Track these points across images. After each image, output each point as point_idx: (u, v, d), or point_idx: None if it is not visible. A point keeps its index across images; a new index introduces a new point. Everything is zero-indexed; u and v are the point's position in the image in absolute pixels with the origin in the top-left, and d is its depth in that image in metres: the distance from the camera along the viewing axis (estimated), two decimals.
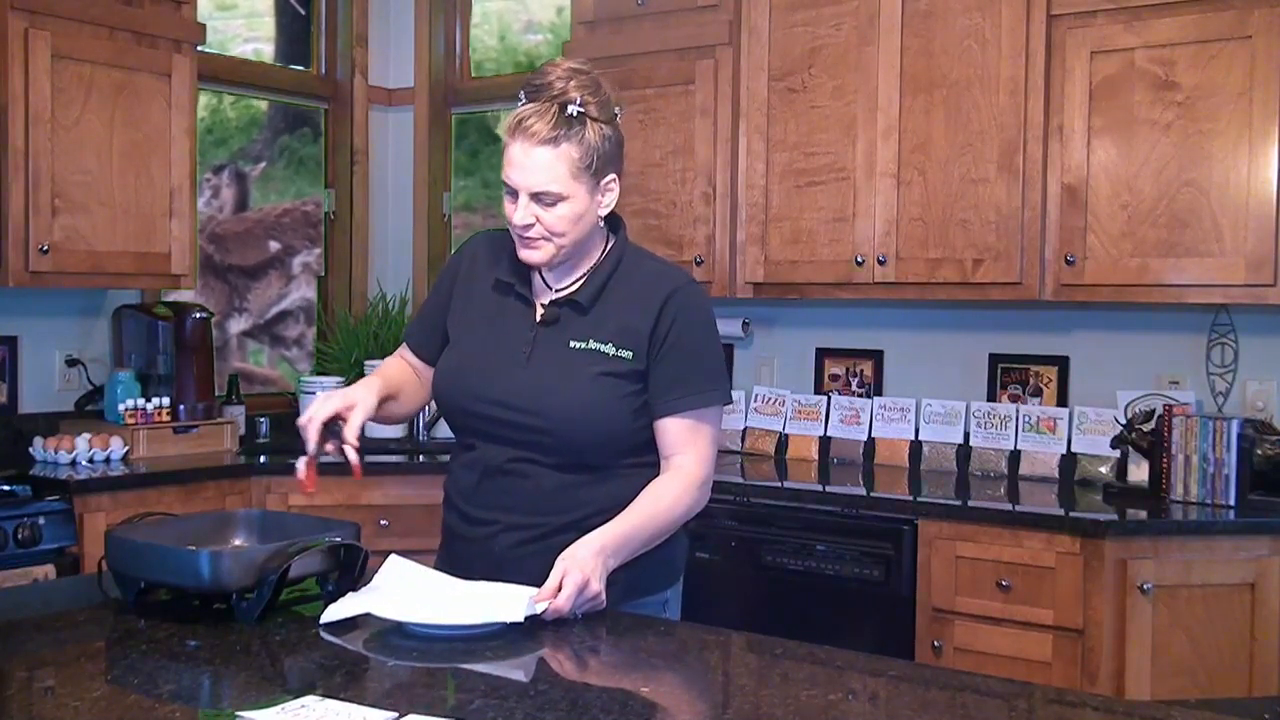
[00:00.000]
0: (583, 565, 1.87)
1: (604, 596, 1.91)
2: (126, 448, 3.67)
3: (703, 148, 3.75)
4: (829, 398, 3.93)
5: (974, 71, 3.32)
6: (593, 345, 2.03)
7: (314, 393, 4.10)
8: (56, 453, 3.54)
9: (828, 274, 3.56)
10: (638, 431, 2.05)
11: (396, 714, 1.42)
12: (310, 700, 1.47)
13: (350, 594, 1.86)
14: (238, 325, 4.70)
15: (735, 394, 4.08)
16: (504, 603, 1.82)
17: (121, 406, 3.73)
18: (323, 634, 1.77)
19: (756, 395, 4.06)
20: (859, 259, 3.48)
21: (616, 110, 2.04)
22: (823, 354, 4.01)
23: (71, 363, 3.91)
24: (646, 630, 1.90)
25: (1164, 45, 3.08)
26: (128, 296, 4.04)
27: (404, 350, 2.27)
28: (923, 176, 3.41)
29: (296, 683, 1.61)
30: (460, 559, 2.07)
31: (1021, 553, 2.96)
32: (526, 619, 1.78)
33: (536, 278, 2.12)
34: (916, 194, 3.42)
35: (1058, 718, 1.59)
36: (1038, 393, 3.63)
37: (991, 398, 3.69)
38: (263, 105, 4.75)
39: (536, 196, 1.98)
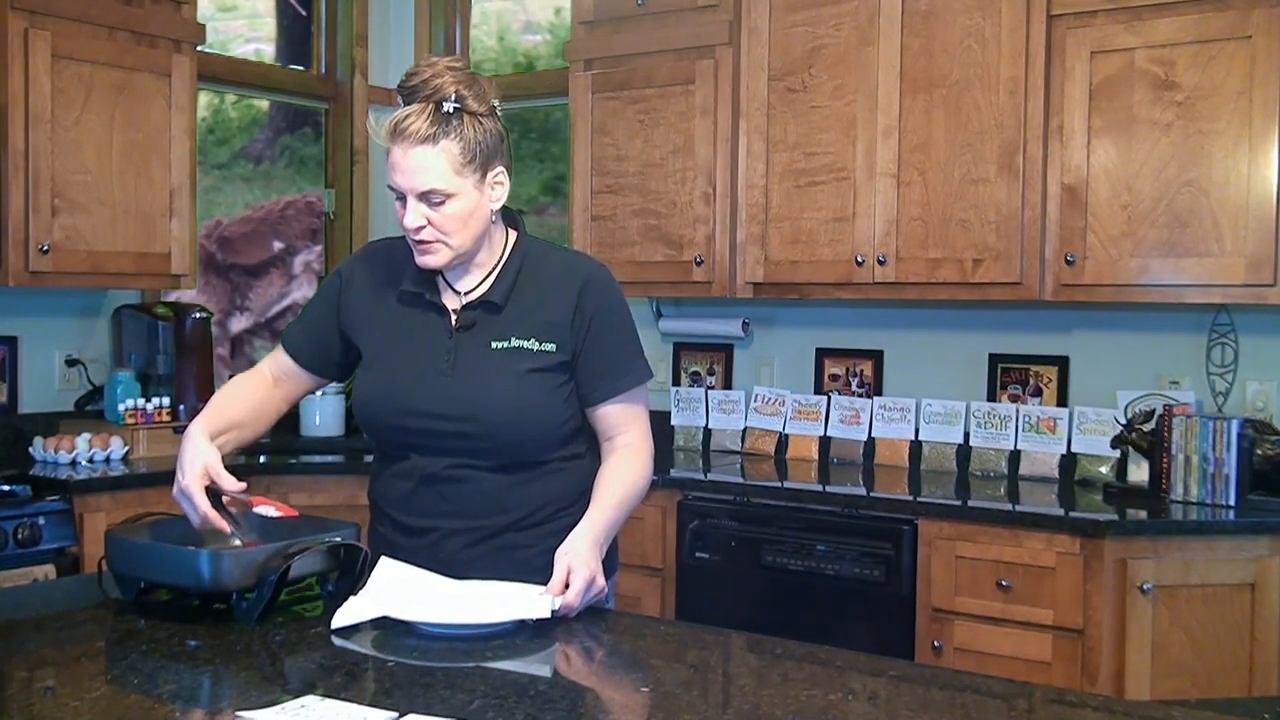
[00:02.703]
0: (587, 561, 1.90)
1: (607, 587, 1.95)
2: (126, 448, 3.67)
3: (703, 148, 3.75)
4: (829, 398, 3.93)
5: (974, 71, 3.32)
6: (515, 343, 2.02)
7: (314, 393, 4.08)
8: (56, 453, 3.54)
9: (828, 274, 3.56)
10: (568, 421, 2.07)
11: (396, 714, 1.42)
12: (310, 700, 1.47)
13: (352, 598, 1.86)
14: (239, 324, 4.70)
15: (736, 394, 4.09)
16: (519, 601, 1.83)
17: (121, 406, 3.73)
18: (328, 636, 1.77)
19: (756, 395, 4.06)
20: (859, 259, 3.48)
21: (495, 103, 2.00)
22: (823, 354, 4.01)
23: (71, 363, 3.92)
24: (646, 630, 1.90)
25: (1164, 45, 3.08)
26: (128, 296, 4.04)
27: (276, 355, 2.20)
28: (923, 176, 3.41)
29: (296, 683, 1.61)
30: None
31: (1021, 553, 2.96)
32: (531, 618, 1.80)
33: (442, 282, 2.09)
34: (916, 194, 3.42)
35: (1058, 718, 1.59)
36: (1038, 393, 3.63)
37: (991, 398, 3.69)
38: (264, 105, 4.75)
39: (423, 197, 1.95)
